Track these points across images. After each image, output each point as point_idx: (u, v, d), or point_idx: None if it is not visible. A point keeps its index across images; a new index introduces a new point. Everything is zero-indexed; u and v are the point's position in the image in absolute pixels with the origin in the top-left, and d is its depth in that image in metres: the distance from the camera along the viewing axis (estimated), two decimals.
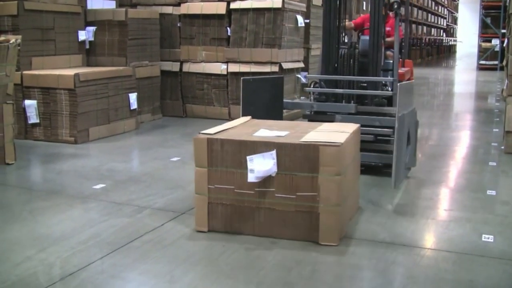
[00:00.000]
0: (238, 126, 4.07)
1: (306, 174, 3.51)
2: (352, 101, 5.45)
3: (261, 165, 3.53)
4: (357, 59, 5.53)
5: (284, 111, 5.70)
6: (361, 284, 3.07)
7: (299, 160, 3.51)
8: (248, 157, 3.55)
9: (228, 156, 3.63)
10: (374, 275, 3.15)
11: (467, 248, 3.52)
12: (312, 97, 5.74)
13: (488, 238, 3.67)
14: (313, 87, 5.75)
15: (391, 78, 5.39)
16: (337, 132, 3.79)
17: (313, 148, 3.48)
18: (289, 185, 3.55)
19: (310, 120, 5.43)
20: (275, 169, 3.53)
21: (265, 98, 5.14)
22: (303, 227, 3.57)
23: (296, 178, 3.53)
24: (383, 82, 5.46)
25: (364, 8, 13.04)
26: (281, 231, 3.61)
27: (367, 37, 5.91)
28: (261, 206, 3.62)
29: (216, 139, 3.66)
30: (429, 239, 3.76)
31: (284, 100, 5.51)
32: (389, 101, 5.36)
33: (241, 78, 4.62)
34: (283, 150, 3.53)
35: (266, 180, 3.57)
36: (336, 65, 5.59)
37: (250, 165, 3.55)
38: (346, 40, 6.07)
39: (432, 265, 3.28)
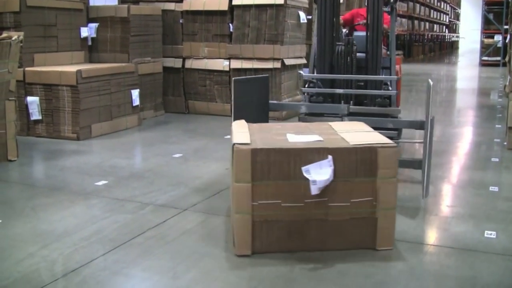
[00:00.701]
0: (252, 133, 3.60)
1: (362, 178, 3.28)
2: (351, 102, 5.11)
3: (320, 175, 3.21)
4: (355, 56, 5.21)
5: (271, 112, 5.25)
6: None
7: (354, 164, 3.26)
8: (303, 168, 3.22)
9: (275, 168, 3.23)
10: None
11: (469, 244, 3.51)
12: (307, 98, 5.40)
13: (491, 234, 3.66)
14: (308, 86, 5.39)
15: (395, 77, 5.21)
16: (367, 132, 3.66)
17: (371, 151, 3.27)
18: (343, 192, 3.28)
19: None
20: (332, 177, 3.23)
21: (253, 100, 4.74)
22: (358, 234, 3.36)
23: (350, 184, 3.27)
24: (384, 81, 5.22)
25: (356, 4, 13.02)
26: (334, 242, 3.35)
27: (362, 33, 5.73)
28: (312, 218, 3.30)
29: (261, 149, 3.22)
30: (432, 235, 3.76)
31: (270, 102, 5.05)
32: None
33: (233, 78, 4.24)
34: (337, 155, 3.24)
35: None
36: (331, 63, 5.29)
37: (309, 177, 3.20)
38: (343, 37, 5.84)
39: (435, 261, 3.28)
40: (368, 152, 3.27)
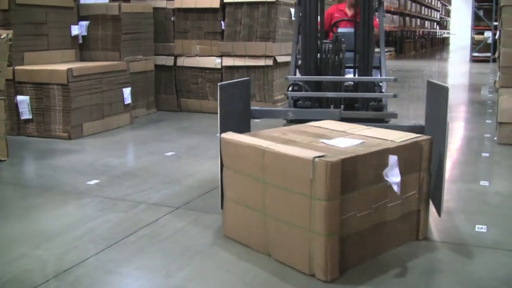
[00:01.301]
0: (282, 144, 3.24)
1: (410, 174, 3.27)
2: (342, 106, 4.74)
3: (396, 176, 3.10)
4: (344, 55, 4.89)
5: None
6: None
7: (404, 161, 3.19)
8: (385, 172, 3.09)
9: (356, 177, 3.00)
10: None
11: (461, 238, 3.53)
12: (292, 102, 5.01)
13: (482, 228, 3.68)
14: (293, 89, 4.96)
15: (391, 77, 4.76)
16: (377, 129, 3.67)
17: (417, 146, 3.29)
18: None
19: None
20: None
21: (237, 107, 4.12)
22: (404, 230, 3.37)
23: (402, 181, 3.17)
24: (376, 82, 4.93)
25: None
26: (388, 243, 3.30)
27: (348, 30, 5.56)
28: (377, 223, 3.19)
29: (350, 159, 2.94)
30: (423, 230, 3.77)
31: (252, 108, 4.49)
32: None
33: (218, 84, 3.63)
34: (396, 154, 3.15)
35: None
36: (317, 63, 4.94)
37: (392, 179, 3.09)
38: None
39: (427, 255, 3.29)
40: (415, 147, 3.30)
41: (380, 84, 5.01)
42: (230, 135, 3.41)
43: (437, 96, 3.57)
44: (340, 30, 5.80)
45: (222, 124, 3.60)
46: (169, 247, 3.42)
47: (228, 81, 3.84)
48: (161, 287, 2.96)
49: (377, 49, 5.67)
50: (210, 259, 3.26)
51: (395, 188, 3.09)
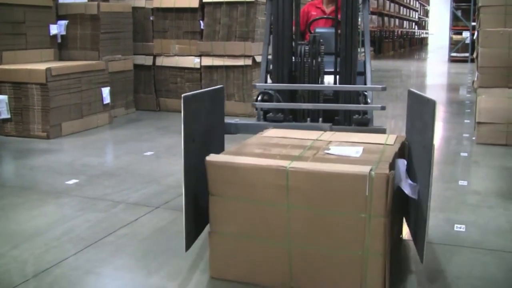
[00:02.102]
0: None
1: None
2: (321, 119, 4.14)
3: (407, 180, 2.90)
4: (323, 59, 4.22)
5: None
6: None
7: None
8: (396, 178, 2.81)
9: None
10: None
11: (440, 238, 3.56)
12: (262, 114, 4.28)
13: (460, 227, 3.71)
14: (262, 99, 4.26)
15: (379, 86, 4.00)
16: (356, 134, 3.49)
17: (404, 147, 3.22)
18: None
19: None
20: None
21: (207, 121, 3.31)
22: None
23: None
24: (360, 92, 4.24)
25: None
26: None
27: (327, 30, 5.06)
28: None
29: (391, 173, 2.60)
30: (403, 230, 3.80)
31: (227, 122, 3.80)
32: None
33: (182, 96, 2.84)
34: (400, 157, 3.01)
35: None
36: (291, 69, 4.32)
37: (405, 184, 2.87)
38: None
39: (405, 255, 3.32)
40: (402, 147, 3.17)
41: (366, 93, 4.31)
42: (220, 158, 2.92)
43: (421, 111, 2.94)
44: (318, 30, 5.14)
45: (186, 144, 2.87)
46: (148, 247, 3.41)
47: (195, 92, 3.09)
48: (141, 287, 2.95)
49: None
50: (190, 258, 3.25)
51: (411, 193, 2.83)
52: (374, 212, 2.59)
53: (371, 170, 2.56)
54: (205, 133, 3.24)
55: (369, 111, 4.13)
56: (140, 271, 3.09)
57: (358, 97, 4.20)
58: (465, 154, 5.85)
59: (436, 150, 6.09)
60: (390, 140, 3.20)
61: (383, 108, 3.97)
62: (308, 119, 4.17)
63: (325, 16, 5.65)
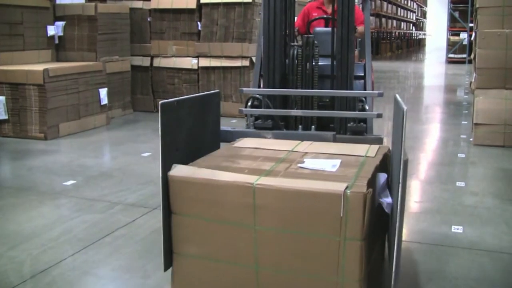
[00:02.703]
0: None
1: None
2: (313, 127, 3.83)
3: (387, 196, 2.61)
4: (318, 62, 3.93)
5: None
6: None
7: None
8: (382, 200, 2.56)
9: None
10: None
11: (437, 239, 3.57)
12: (251, 120, 3.88)
13: (458, 229, 3.72)
14: (252, 105, 3.91)
15: (376, 92, 3.73)
16: (332, 144, 3.25)
17: (388, 158, 3.02)
18: None
19: None
20: None
21: (192, 128, 2.95)
22: None
23: None
24: (359, 98, 3.83)
25: None
26: None
27: (324, 30, 4.72)
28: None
29: (368, 184, 2.38)
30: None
31: (222, 129, 3.43)
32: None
33: (160, 102, 2.59)
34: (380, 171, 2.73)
35: None
36: (284, 72, 3.95)
37: (384, 200, 2.56)
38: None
39: (404, 256, 3.32)
40: (385, 158, 2.93)
41: (363, 99, 3.91)
42: (181, 171, 2.61)
43: (397, 117, 2.72)
44: (316, 29, 4.86)
45: (167, 154, 2.60)
46: (146, 248, 3.40)
47: (178, 98, 2.79)
48: (138, 287, 2.96)
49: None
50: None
51: (388, 209, 2.56)
52: (349, 235, 2.31)
53: (346, 188, 2.29)
54: (192, 141, 2.95)
55: (368, 119, 3.87)
56: (137, 272, 3.09)
57: (355, 103, 3.81)
58: (463, 155, 5.86)
59: (433, 151, 6.12)
60: (371, 151, 2.92)
61: (379, 115, 3.65)
62: (300, 126, 3.86)
63: (324, 16, 5.32)
